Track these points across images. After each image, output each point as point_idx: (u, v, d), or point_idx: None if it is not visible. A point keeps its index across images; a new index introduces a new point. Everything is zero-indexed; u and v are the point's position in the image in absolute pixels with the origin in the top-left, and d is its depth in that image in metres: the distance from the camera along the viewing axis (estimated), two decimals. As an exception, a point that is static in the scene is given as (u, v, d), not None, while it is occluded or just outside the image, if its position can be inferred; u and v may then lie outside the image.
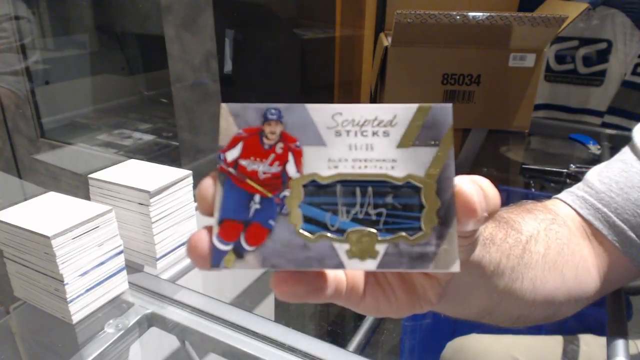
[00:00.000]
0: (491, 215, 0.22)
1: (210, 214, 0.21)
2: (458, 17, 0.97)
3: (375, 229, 0.20)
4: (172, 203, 0.62)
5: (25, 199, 0.57)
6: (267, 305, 1.05)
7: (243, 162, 0.20)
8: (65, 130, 1.51)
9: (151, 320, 0.56)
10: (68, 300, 0.52)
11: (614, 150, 0.66)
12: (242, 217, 0.20)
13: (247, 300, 0.96)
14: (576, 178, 0.88)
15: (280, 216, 0.20)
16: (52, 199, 0.57)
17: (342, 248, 0.20)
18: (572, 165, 0.93)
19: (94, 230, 0.53)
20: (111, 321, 0.54)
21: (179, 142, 1.39)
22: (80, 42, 1.59)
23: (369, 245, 0.20)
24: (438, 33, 1.00)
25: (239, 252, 0.20)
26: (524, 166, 0.96)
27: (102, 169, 0.64)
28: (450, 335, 0.73)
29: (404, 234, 0.20)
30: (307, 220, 0.20)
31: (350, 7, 1.47)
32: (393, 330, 1.02)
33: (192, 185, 0.65)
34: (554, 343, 0.66)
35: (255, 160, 0.21)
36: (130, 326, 0.54)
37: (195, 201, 0.67)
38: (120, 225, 0.58)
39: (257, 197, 0.20)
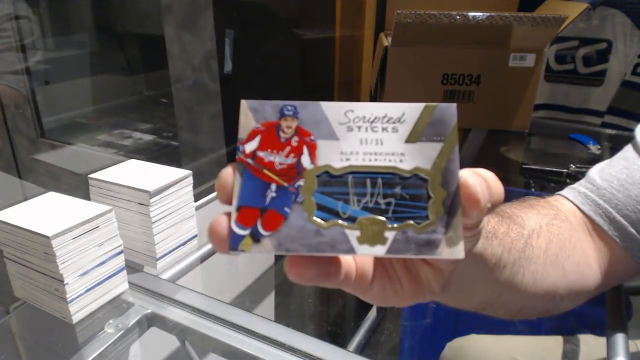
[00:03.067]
0: (495, 206, 0.23)
1: (229, 202, 0.22)
2: (458, 17, 0.97)
3: (385, 217, 0.22)
4: (172, 203, 0.62)
5: (25, 199, 0.57)
6: (267, 305, 1.05)
7: (261, 154, 0.22)
8: (65, 130, 1.51)
9: (151, 320, 0.56)
10: (68, 300, 0.52)
11: (614, 150, 0.66)
12: (259, 204, 0.22)
13: (247, 300, 0.96)
14: (576, 178, 0.88)
15: (295, 204, 0.22)
16: (52, 199, 0.57)
17: (353, 234, 0.22)
18: (572, 165, 0.93)
19: (94, 230, 0.53)
20: (111, 321, 0.54)
21: (179, 142, 1.39)
22: (80, 42, 1.58)
23: (379, 232, 0.22)
24: (438, 33, 1.00)
25: (256, 237, 0.21)
26: (524, 166, 0.96)
27: (102, 169, 0.64)
28: (450, 336, 0.73)
29: (411, 222, 0.22)
30: (320, 208, 0.22)
31: (350, 7, 1.47)
32: (393, 330, 1.02)
33: (192, 185, 0.65)
34: (554, 343, 0.66)
35: (272, 152, 0.22)
36: (130, 326, 0.54)
37: (195, 201, 0.67)
38: (120, 225, 0.58)
39: (273, 186, 0.22)
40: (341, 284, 0.25)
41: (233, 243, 0.21)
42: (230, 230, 0.21)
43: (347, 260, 0.25)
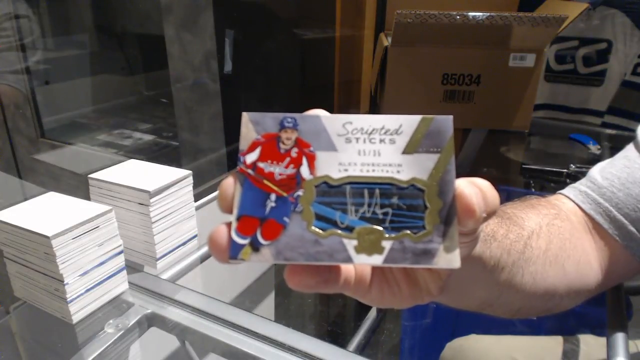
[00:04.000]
0: (490, 215, 0.24)
1: (229, 211, 0.22)
2: (458, 17, 0.97)
3: (382, 227, 0.22)
4: (172, 203, 0.62)
5: (25, 199, 0.57)
6: (267, 305, 1.05)
7: (261, 165, 0.22)
8: (65, 130, 1.51)
9: (151, 320, 0.56)
10: (68, 300, 0.52)
11: (614, 150, 0.66)
12: (259, 214, 0.22)
13: (247, 300, 0.96)
14: (576, 178, 0.88)
15: (294, 214, 0.22)
16: (52, 199, 0.57)
17: (350, 244, 0.22)
18: (572, 165, 0.93)
19: (94, 230, 0.53)
20: (111, 321, 0.54)
21: (179, 142, 1.39)
22: (81, 42, 1.58)
23: (376, 242, 0.22)
24: (438, 33, 1.00)
25: (255, 246, 0.22)
26: (524, 166, 0.96)
27: (102, 169, 0.64)
28: (450, 336, 0.73)
29: (408, 231, 0.22)
30: (319, 217, 0.22)
31: (350, 7, 1.47)
32: (393, 330, 1.02)
33: (192, 185, 0.65)
34: (554, 343, 0.66)
35: (272, 163, 0.22)
36: (130, 326, 0.54)
37: (195, 201, 0.67)
38: (120, 225, 0.58)
39: (273, 196, 0.22)
40: (340, 289, 0.25)
41: (233, 252, 0.22)
42: (231, 239, 0.22)
43: (345, 266, 0.25)
